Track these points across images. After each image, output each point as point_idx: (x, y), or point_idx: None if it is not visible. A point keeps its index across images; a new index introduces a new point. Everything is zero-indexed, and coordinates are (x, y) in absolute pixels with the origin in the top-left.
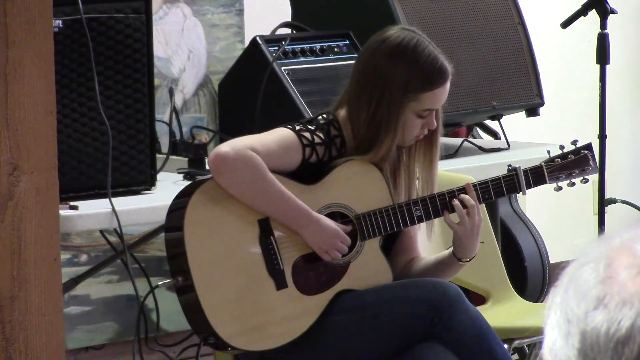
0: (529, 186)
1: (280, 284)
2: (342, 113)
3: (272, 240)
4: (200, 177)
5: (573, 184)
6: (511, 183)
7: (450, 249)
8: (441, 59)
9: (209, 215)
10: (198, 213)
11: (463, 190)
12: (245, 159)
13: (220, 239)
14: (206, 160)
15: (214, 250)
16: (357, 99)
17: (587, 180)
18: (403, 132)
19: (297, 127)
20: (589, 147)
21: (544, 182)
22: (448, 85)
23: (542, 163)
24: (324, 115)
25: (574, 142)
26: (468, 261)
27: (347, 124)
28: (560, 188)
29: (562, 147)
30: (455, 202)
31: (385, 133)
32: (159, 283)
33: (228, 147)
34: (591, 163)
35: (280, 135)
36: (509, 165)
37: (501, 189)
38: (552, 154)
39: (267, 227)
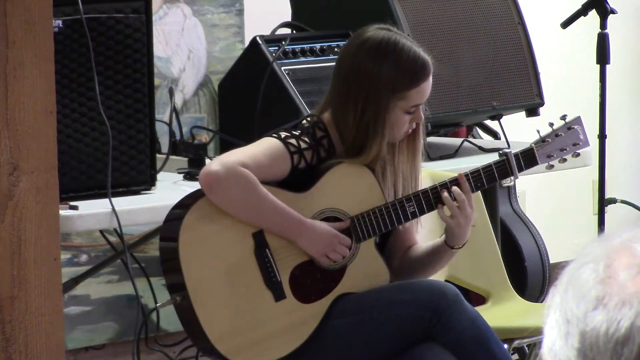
0: (520, 169)
1: (279, 296)
2: (327, 115)
3: (267, 253)
4: (192, 191)
5: (565, 160)
6: (503, 168)
7: (442, 238)
8: (421, 53)
9: (203, 233)
10: (191, 233)
11: (455, 181)
12: (237, 176)
13: (216, 255)
14: (207, 161)
15: (210, 267)
16: (342, 102)
17: (578, 154)
18: (393, 130)
19: (283, 135)
20: (578, 121)
21: (536, 164)
22: (431, 77)
23: (533, 144)
24: (309, 119)
25: (563, 117)
26: (461, 248)
27: (332, 125)
28: (552, 166)
29: (551, 125)
30: (445, 195)
31: (373, 135)
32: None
33: (218, 165)
34: (581, 137)
35: (267, 145)
36: (500, 150)
37: (493, 175)
38: (543, 133)
39: (261, 240)
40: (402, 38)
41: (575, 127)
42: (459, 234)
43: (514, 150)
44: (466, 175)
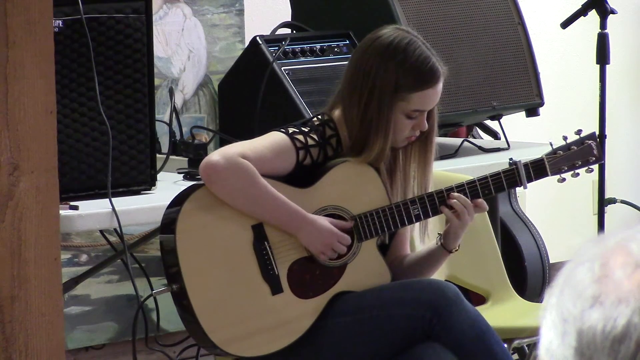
0: (529, 180)
1: (276, 289)
2: (336, 113)
3: (266, 246)
4: (194, 183)
5: (577, 175)
6: (511, 177)
7: (437, 243)
8: (433, 60)
9: (201, 223)
10: (190, 222)
11: (460, 187)
12: (236, 166)
13: (213, 247)
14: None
15: (207, 258)
16: (348, 98)
17: (591, 170)
18: (394, 133)
19: (291, 130)
20: (592, 136)
21: (546, 175)
22: (439, 87)
23: (544, 156)
24: (319, 116)
25: (578, 132)
26: (457, 250)
27: (342, 123)
28: (563, 179)
29: (565, 138)
30: (454, 201)
31: (376, 133)
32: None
33: (218, 155)
34: (595, 153)
35: (272, 139)
36: (510, 159)
37: (501, 184)
38: (555, 146)
39: (260, 233)
40: (416, 40)
41: (589, 142)
42: (459, 235)
43: (524, 159)
44: (473, 182)
